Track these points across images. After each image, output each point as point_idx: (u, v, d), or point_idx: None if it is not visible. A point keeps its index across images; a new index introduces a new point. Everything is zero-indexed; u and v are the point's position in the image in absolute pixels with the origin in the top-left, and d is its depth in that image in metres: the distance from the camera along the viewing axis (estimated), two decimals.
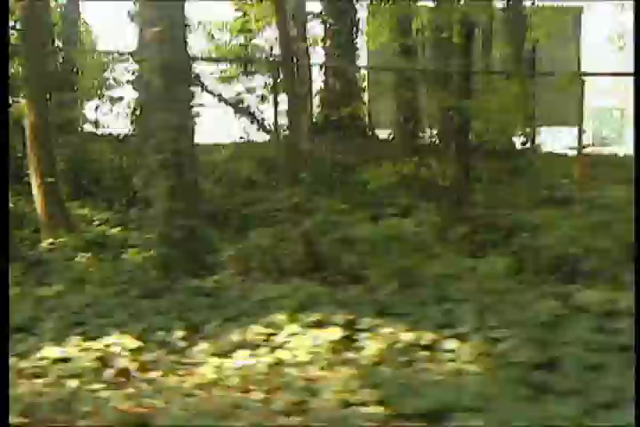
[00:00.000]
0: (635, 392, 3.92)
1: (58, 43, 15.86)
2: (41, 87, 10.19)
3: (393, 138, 16.76)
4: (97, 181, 13.66)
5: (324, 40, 18.06)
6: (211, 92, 18.09)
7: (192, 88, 6.79)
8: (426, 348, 5.03)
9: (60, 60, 15.30)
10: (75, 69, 15.70)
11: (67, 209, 10.55)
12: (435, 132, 15.55)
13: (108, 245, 10.32)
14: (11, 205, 12.20)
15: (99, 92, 17.46)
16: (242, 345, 5.07)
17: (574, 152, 13.40)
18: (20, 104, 10.36)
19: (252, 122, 16.83)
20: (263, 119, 17.35)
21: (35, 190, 10.14)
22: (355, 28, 17.95)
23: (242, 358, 4.90)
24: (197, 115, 7.24)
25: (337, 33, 17.51)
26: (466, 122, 10.35)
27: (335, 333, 5.11)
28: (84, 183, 13.65)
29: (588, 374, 4.41)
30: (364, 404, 4.18)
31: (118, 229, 11.04)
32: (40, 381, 4.62)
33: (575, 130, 13.96)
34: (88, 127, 17.32)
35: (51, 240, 9.96)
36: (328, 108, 17.42)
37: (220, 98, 17.48)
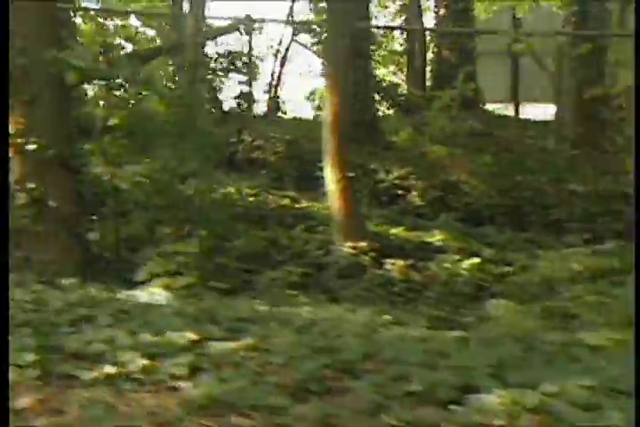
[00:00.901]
0: (635, 391, 3.15)
1: None
2: (343, 68, 8.35)
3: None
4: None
5: (437, 7, 16.31)
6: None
7: None
8: None
9: None
10: None
11: (361, 208, 8.74)
12: None
13: (408, 250, 8.50)
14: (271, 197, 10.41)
15: None
16: None
17: None
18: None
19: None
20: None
21: (332, 185, 8.29)
22: None
23: None
24: None
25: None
26: None
27: None
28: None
29: None
30: None
31: (400, 228, 9.20)
32: None
33: None
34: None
35: (351, 244, 8.15)
36: (439, 82, 15.52)
37: None
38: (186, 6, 15.59)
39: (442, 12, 16.26)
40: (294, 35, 18.37)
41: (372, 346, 3.71)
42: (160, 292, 4.89)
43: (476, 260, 7.64)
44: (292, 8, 18.47)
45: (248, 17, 13.34)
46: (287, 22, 18.26)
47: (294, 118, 15.66)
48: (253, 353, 3.68)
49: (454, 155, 12.66)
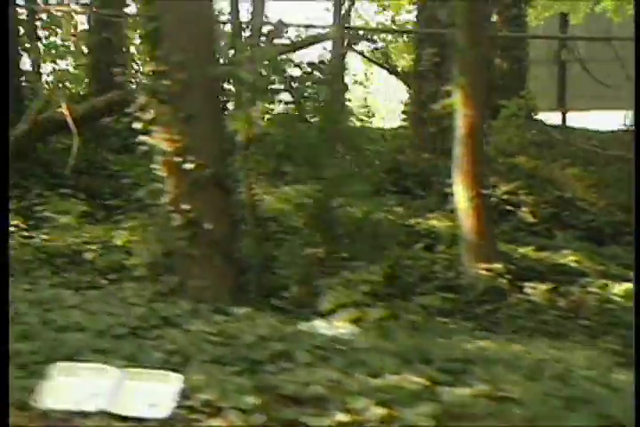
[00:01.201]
0: (634, 392, 3.26)
1: None
2: (478, 78, 8.05)
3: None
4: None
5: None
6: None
7: None
8: None
9: None
10: None
11: (494, 226, 8.42)
12: None
13: (542, 272, 8.16)
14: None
15: None
16: None
17: None
18: (450, 99, 8.32)
19: None
20: None
21: (463, 203, 8.00)
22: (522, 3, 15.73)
23: None
24: None
25: (505, 6, 15.23)
26: None
27: None
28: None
29: None
30: None
31: (527, 248, 8.86)
32: None
33: None
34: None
35: (484, 265, 7.84)
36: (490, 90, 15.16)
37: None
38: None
39: (494, 18, 16.04)
40: (351, 42, 18.10)
41: (624, 397, 3.43)
42: (344, 325, 4.68)
43: (629, 285, 7.25)
44: (348, 13, 18.15)
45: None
46: (342, 28, 17.91)
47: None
48: (494, 402, 3.43)
49: (542, 167, 12.34)
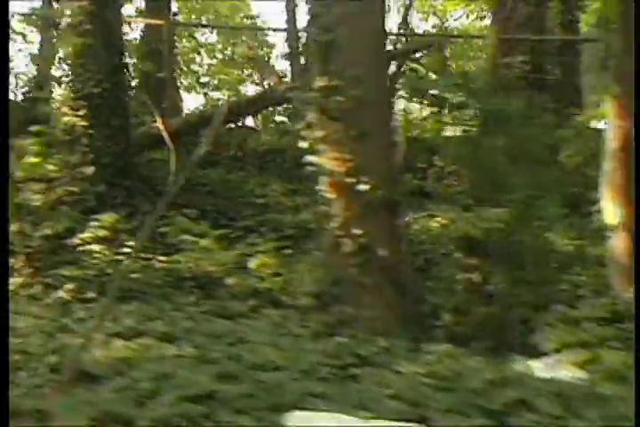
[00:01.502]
0: (634, 394, 3.35)
1: None
2: (632, 90, 7.60)
3: None
4: None
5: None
6: None
7: None
8: None
9: None
10: None
11: None
12: None
13: None
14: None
15: None
16: None
17: None
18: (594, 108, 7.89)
19: None
20: None
21: (613, 221, 7.54)
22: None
23: None
24: None
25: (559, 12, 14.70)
26: None
27: None
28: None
29: None
30: None
31: None
32: None
33: None
34: None
35: None
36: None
37: None
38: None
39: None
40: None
41: None
42: (568, 366, 4.26)
43: None
44: (405, 19, 17.52)
45: (442, 32, 12.85)
46: (399, 35, 17.32)
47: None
48: None
49: None
